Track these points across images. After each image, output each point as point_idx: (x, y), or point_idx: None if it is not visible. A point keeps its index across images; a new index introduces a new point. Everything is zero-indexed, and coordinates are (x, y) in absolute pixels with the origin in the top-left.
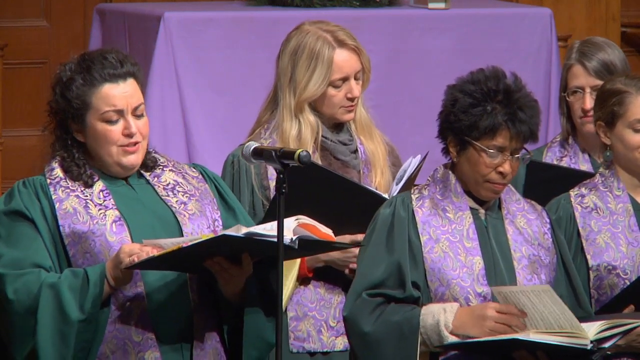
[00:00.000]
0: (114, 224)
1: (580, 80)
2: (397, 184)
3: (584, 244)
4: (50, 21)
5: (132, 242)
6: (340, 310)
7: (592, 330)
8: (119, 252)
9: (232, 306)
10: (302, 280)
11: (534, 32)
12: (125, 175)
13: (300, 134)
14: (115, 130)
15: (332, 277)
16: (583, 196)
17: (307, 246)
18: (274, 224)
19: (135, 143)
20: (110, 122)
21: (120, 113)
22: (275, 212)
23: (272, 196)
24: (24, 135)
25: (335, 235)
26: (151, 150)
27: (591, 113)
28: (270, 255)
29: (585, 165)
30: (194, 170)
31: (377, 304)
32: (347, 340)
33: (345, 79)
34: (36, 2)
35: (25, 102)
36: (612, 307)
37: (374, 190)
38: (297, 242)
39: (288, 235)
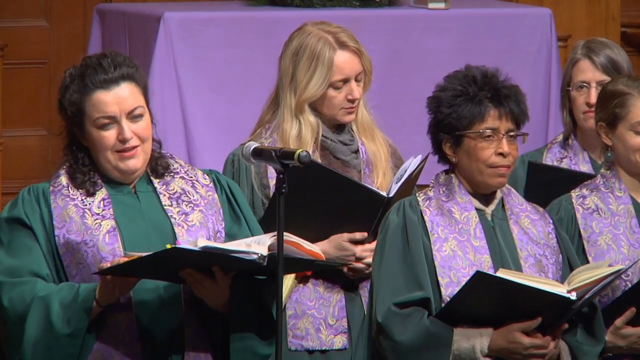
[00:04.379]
0: (107, 235)
1: (587, 75)
2: (396, 183)
3: (585, 246)
4: (50, 21)
5: (124, 252)
6: (339, 309)
7: (564, 284)
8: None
9: (219, 316)
10: (301, 278)
11: (534, 32)
12: (127, 180)
13: (301, 134)
14: (109, 136)
15: (332, 275)
16: (584, 197)
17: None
18: (244, 241)
19: (133, 147)
20: (103, 128)
21: (113, 119)
22: (274, 211)
23: (271, 195)
24: (24, 135)
25: (333, 234)
26: (167, 154)
27: None
28: (239, 270)
29: (585, 166)
30: (207, 177)
31: (408, 314)
32: (345, 339)
33: (345, 81)
34: (36, 2)
35: (25, 102)
36: (614, 309)
37: (372, 187)
38: (266, 258)
39: (262, 251)
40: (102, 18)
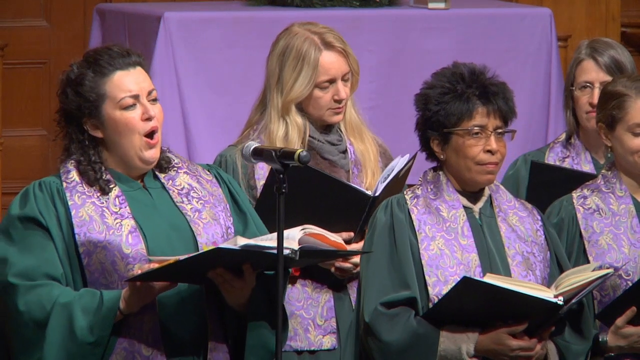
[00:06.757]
0: (129, 235)
1: (591, 75)
2: (382, 182)
3: (586, 246)
4: (50, 21)
5: (148, 253)
6: (327, 309)
7: (552, 289)
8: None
9: (237, 315)
10: (289, 278)
11: (534, 32)
12: (140, 172)
13: (288, 135)
14: (135, 117)
15: (319, 275)
16: (585, 197)
17: (309, 256)
18: (271, 236)
19: (154, 133)
20: (128, 108)
21: (137, 98)
22: (261, 210)
23: (259, 195)
24: (24, 135)
25: None
26: (165, 149)
27: None
28: (272, 266)
29: (587, 166)
30: (208, 173)
31: (395, 314)
32: (334, 339)
33: (332, 81)
34: (36, 2)
35: (25, 102)
36: (614, 309)
37: (357, 187)
38: (298, 253)
39: (293, 246)
40: (102, 18)
